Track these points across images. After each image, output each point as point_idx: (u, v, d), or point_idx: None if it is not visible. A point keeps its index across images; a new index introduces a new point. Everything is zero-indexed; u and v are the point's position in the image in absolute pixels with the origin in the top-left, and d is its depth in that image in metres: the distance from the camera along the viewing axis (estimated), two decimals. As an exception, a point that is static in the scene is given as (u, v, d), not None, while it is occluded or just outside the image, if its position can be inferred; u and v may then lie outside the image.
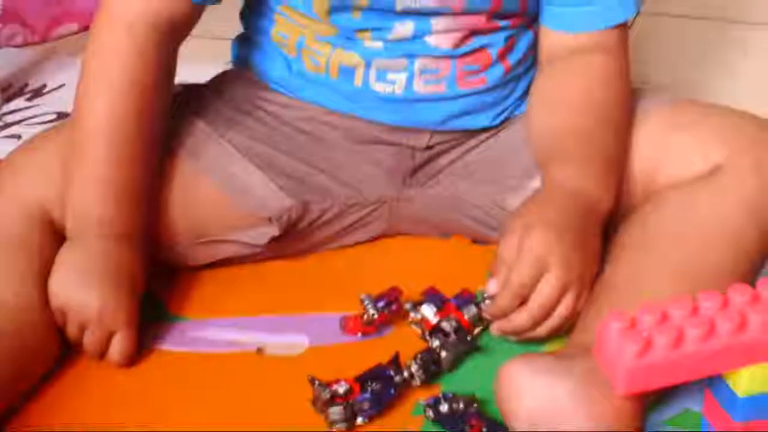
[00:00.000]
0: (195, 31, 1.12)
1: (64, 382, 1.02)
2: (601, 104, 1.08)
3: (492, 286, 1.00)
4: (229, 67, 1.22)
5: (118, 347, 1.02)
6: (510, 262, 0.98)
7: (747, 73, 1.54)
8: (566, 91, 1.09)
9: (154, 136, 1.07)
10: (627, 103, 1.10)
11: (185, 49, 1.12)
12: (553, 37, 1.11)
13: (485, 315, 1.01)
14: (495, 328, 1.01)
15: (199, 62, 1.30)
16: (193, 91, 1.16)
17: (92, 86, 1.06)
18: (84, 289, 1.01)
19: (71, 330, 1.02)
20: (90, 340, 1.02)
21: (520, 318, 0.99)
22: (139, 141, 1.05)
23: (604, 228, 1.04)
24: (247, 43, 1.17)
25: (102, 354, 1.02)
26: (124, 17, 1.05)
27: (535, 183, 1.08)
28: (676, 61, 1.53)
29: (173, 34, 1.08)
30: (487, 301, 1.04)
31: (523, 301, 0.99)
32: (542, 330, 1.00)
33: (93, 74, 1.06)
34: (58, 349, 1.03)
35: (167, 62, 1.09)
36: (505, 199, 1.11)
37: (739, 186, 1.02)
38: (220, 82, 1.18)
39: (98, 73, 1.06)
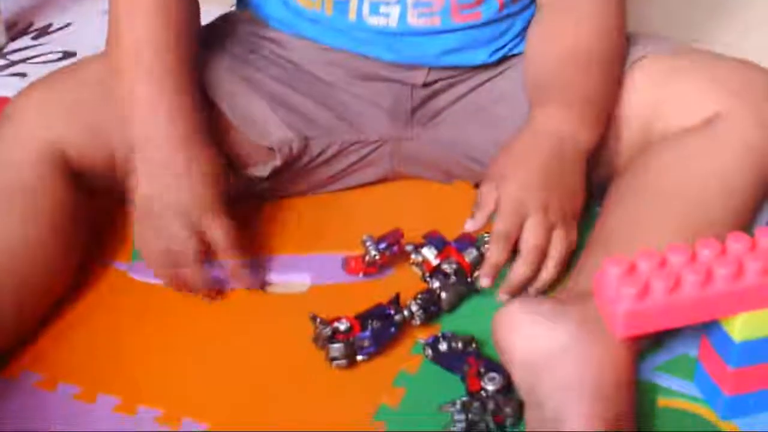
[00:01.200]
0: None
1: (69, 317, 1.03)
2: (589, 47, 1.08)
3: (468, 225, 1.01)
4: (232, 9, 1.22)
5: (219, 238, 1.03)
6: (487, 208, 1.01)
7: (758, 27, 1.53)
8: (556, 31, 1.09)
9: (193, 51, 1.09)
10: (619, 43, 1.10)
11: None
12: None
13: (484, 284, 1.00)
14: (501, 292, 1.01)
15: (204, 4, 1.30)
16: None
17: (124, 12, 1.06)
18: (172, 218, 1.02)
19: (182, 260, 1.03)
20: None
21: (518, 271, 1.00)
22: (182, 52, 1.06)
23: (587, 164, 1.05)
24: None
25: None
26: None
27: None
28: (684, 15, 1.51)
29: None
30: (487, 246, 1.05)
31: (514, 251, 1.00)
32: (546, 274, 1.01)
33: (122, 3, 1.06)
34: (62, 289, 1.04)
35: None
36: (505, 141, 1.09)
37: (738, 135, 1.02)
38: (222, 22, 1.18)
39: (131, 5, 1.06)
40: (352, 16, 1.10)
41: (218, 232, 1.03)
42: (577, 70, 1.08)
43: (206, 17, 1.19)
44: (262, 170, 1.11)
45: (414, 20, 1.10)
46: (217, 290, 1.05)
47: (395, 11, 1.09)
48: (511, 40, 1.14)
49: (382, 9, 1.09)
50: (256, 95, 1.11)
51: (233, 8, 1.23)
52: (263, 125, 1.11)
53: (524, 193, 1.00)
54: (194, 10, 1.11)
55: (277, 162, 1.11)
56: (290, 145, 1.11)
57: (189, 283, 1.04)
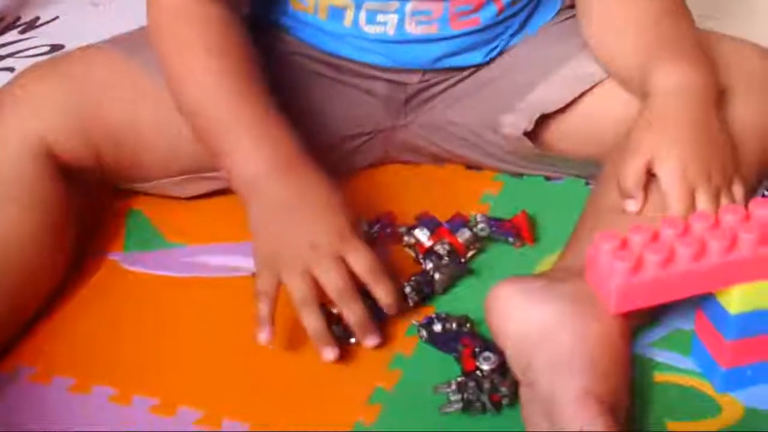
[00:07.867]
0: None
1: (62, 310, 1.03)
2: None
3: (631, 206, 0.95)
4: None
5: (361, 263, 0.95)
6: (635, 184, 0.95)
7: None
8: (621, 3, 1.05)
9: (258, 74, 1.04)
10: None
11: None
12: None
13: None
14: None
15: None
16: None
17: (181, 66, 1.02)
18: (290, 233, 0.97)
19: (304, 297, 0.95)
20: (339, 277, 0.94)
21: None
22: (252, 81, 1.03)
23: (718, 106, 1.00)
24: None
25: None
26: None
27: (530, 98, 1.09)
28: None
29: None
30: (481, 225, 1.05)
31: None
32: None
33: (174, 51, 1.02)
34: (55, 283, 1.03)
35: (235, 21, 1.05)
36: (498, 120, 1.11)
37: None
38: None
39: (180, 47, 1.02)
40: (347, 23, 1.09)
41: (358, 255, 0.96)
42: (664, 17, 1.03)
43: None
44: None
45: (412, 28, 1.09)
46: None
47: (393, 20, 1.08)
48: (506, 39, 1.13)
49: (380, 18, 1.08)
50: None
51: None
52: None
53: (686, 164, 0.94)
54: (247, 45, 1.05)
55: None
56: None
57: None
